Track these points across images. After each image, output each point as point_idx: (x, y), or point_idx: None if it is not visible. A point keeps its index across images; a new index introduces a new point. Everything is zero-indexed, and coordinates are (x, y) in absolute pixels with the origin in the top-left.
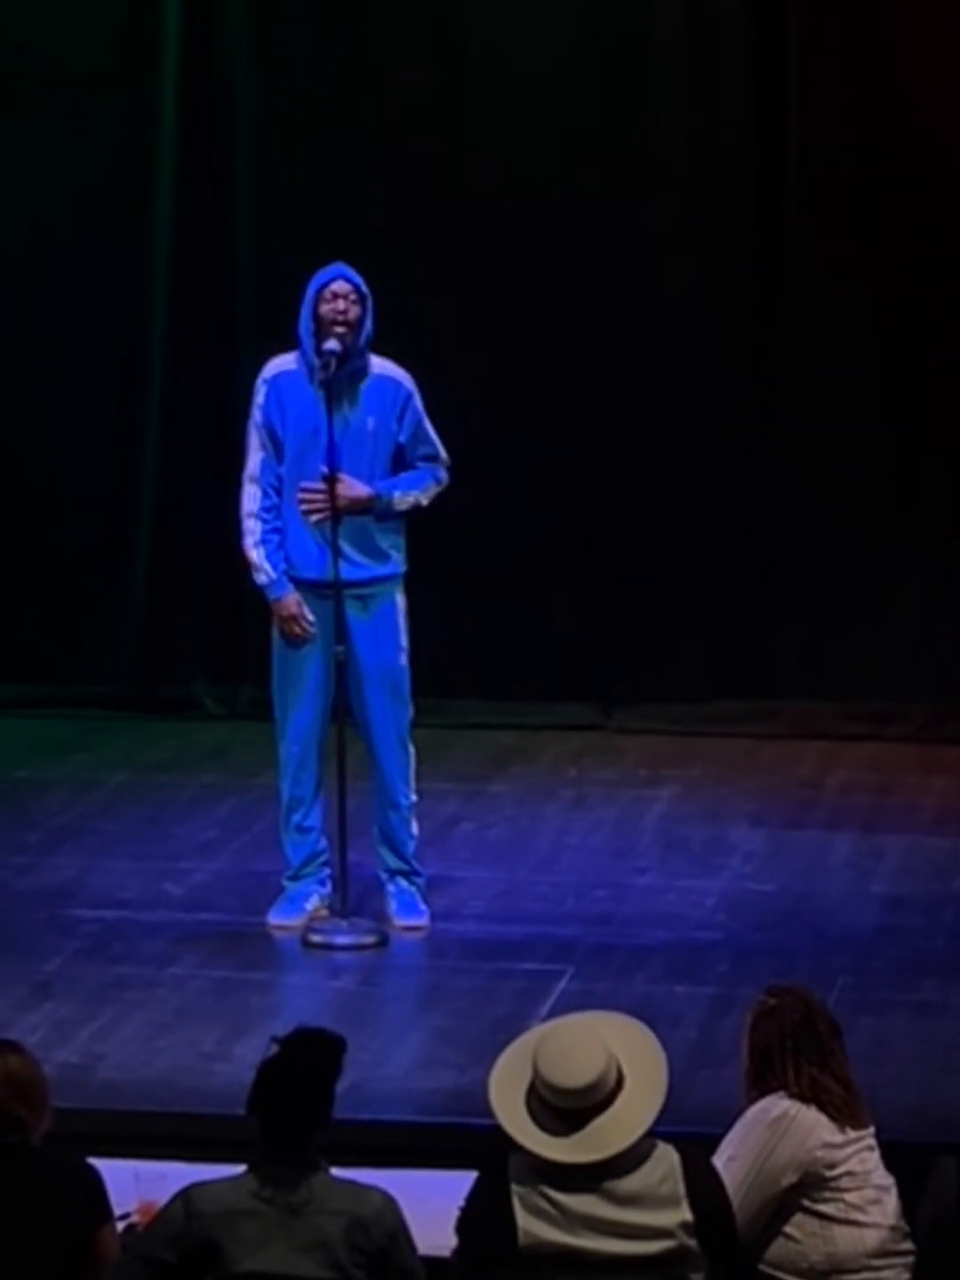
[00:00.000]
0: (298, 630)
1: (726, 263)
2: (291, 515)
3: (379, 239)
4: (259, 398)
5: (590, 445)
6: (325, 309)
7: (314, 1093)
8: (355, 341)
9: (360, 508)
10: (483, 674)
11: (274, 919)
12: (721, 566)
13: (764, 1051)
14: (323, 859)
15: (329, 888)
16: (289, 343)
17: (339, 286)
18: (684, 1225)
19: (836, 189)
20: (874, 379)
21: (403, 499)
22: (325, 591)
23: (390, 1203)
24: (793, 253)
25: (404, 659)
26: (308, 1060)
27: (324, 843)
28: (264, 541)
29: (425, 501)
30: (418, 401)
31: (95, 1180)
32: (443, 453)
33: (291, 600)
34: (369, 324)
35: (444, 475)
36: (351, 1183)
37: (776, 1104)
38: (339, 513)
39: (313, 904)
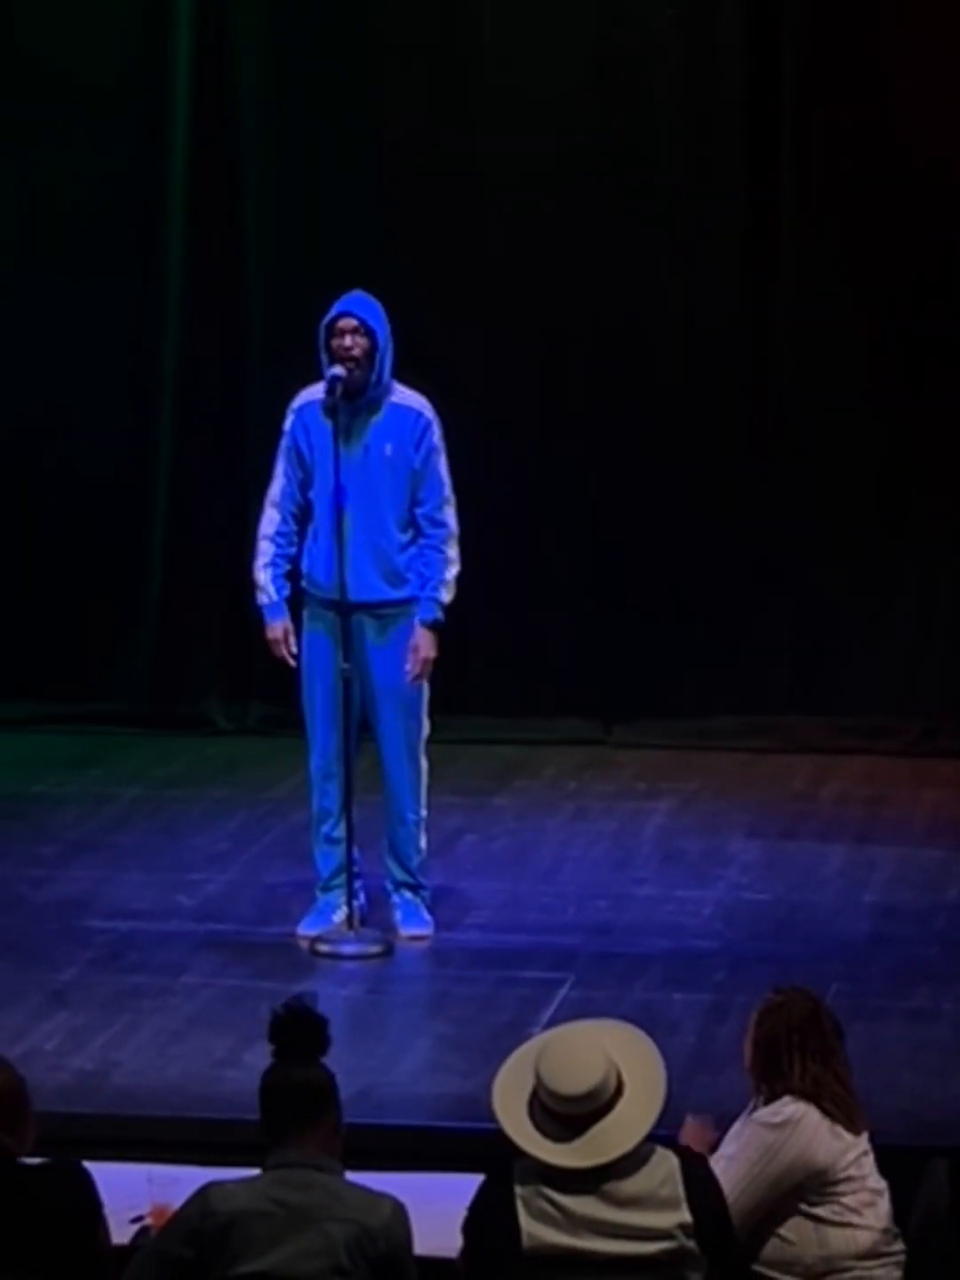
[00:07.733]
0: (279, 655)
1: (723, 286)
2: (316, 537)
3: (386, 260)
4: (287, 424)
5: (591, 464)
6: (334, 343)
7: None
8: (366, 373)
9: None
10: (486, 690)
11: (303, 930)
12: (719, 586)
13: (770, 1046)
14: (354, 870)
15: (361, 899)
16: (298, 361)
17: (344, 322)
18: (683, 1227)
19: (831, 212)
20: (868, 400)
21: (443, 600)
22: (347, 609)
23: (400, 1213)
24: (788, 275)
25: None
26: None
27: (356, 853)
28: (273, 565)
29: (453, 589)
30: (436, 434)
31: (84, 1178)
32: (451, 519)
33: (279, 627)
34: (387, 355)
35: (453, 554)
36: (364, 1189)
37: (782, 1108)
38: (433, 662)
39: (341, 916)
